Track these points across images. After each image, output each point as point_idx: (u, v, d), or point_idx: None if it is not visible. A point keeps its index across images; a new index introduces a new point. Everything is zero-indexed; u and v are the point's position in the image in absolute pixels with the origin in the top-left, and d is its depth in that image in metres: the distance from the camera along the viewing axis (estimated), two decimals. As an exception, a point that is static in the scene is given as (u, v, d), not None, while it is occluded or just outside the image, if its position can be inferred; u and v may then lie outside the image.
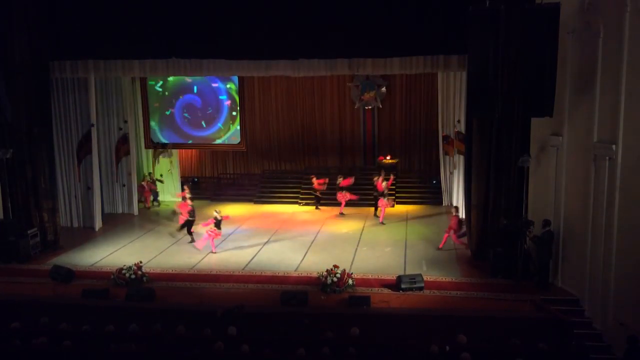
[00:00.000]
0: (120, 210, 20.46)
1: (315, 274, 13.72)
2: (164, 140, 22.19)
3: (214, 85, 21.81)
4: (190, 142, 22.46)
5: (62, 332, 10.26)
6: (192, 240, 16.58)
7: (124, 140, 20.35)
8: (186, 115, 22.01)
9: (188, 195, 17.81)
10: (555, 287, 13.14)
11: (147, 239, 17.45)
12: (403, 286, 13.03)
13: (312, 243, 16.79)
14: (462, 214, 16.89)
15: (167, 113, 22.05)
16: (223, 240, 17.10)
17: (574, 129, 12.57)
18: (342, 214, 19.84)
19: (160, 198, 21.82)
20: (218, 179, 23.77)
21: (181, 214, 17.26)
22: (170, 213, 19.60)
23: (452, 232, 15.88)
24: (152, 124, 22.10)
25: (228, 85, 21.83)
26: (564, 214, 12.96)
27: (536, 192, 13.60)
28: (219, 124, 22.12)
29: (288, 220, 19.59)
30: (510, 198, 13.88)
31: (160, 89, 21.93)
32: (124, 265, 14.01)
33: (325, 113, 23.12)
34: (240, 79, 21.80)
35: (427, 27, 14.40)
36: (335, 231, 17.97)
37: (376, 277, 13.90)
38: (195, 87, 21.88)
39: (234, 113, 22.02)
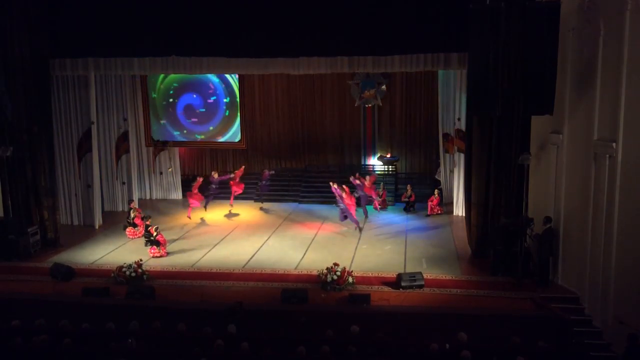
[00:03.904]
0: (120, 208, 20.43)
1: (315, 272, 13.72)
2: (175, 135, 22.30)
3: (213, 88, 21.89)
4: (199, 138, 22.53)
5: (63, 330, 10.27)
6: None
7: (124, 137, 20.37)
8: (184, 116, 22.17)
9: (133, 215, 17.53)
10: (555, 285, 13.16)
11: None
12: (403, 284, 13.03)
13: (312, 241, 16.79)
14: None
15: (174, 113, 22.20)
16: (223, 238, 17.13)
17: (574, 126, 12.57)
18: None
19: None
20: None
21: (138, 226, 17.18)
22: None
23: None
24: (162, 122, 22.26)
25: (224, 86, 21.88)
26: (564, 212, 12.96)
27: (536, 190, 13.61)
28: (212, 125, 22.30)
29: (288, 218, 19.58)
30: (510, 196, 13.90)
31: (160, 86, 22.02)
32: (124, 263, 14.02)
33: (325, 111, 23.10)
34: (241, 77, 21.79)
35: (428, 25, 14.37)
36: (335, 229, 17.97)
37: (376, 275, 13.91)
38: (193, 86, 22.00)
39: (227, 113, 22.13)
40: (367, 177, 18.65)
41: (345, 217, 17.20)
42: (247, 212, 20.55)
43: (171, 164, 22.61)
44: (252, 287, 13.54)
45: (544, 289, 12.91)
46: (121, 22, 15.24)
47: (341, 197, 16.79)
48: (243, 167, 20.84)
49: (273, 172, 20.98)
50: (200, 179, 19.60)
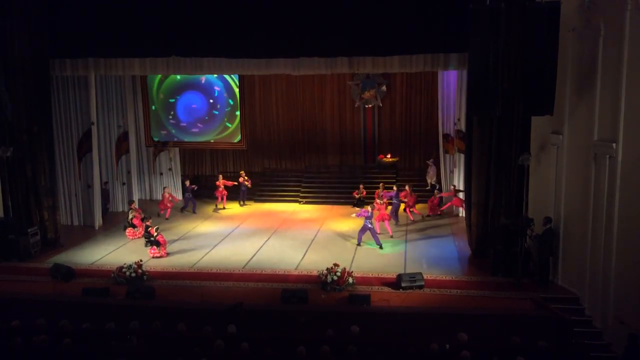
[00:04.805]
0: (120, 209, 20.45)
1: (315, 273, 13.73)
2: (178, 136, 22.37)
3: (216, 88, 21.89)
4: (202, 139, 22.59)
5: (63, 330, 10.26)
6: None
7: (124, 137, 20.39)
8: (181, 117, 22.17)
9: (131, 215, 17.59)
10: (555, 285, 13.15)
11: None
12: (403, 284, 13.03)
13: (312, 241, 16.79)
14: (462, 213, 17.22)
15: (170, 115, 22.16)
16: (223, 239, 17.15)
17: (574, 127, 12.57)
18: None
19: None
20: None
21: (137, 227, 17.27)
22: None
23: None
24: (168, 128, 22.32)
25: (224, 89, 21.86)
26: (564, 213, 12.95)
27: (536, 190, 13.59)
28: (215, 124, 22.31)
29: (288, 218, 19.59)
30: (510, 196, 13.90)
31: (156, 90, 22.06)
32: (125, 264, 14.02)
33: (325, 111, 23.14)
34: (241, 77, 21.79)
35: (427, 25, 14.36)
36: (335, 229, 17.96)
37: (376, 275, 13.91)
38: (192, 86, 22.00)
39: (222, 112, 22.13)
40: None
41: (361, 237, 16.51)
42: (247, 212, 20.57)
43: (171, 164, 22.62)
44: (252, 287, 13.54)
45: (544, 289, 12.91)
46: (121, 22, 15.23)
47: (369, 217, 16.03)
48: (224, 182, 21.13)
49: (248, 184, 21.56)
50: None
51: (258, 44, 15.05)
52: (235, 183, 21.20)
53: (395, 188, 18.42)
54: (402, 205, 18.71)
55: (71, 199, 18.67)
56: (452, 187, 19.25)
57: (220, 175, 21.41)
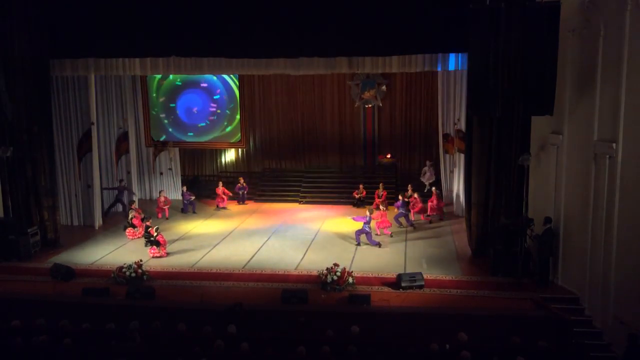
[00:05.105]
0: (120, 209, 20.42)
1: (315, 272, 13.73)
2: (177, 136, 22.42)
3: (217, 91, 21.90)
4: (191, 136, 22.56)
5: (63, 330, 10.27)
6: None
7: (124, 137, 20.38)
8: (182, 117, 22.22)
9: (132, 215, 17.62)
10: (555, 285, 13.16)
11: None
12: (403, 284, 13.03)
13: (312, 241, 16.79)
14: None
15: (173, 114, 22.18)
16: (223, 239, 17.14)
17: (574, 127, 12.57)
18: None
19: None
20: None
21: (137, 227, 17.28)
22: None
23: None
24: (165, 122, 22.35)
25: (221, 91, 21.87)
26: (564, 213, 12.96)
27: (536, 190, 13.61)
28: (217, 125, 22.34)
29: (288, 218, 19.58)
30: (510, 196, 13.91)
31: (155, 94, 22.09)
32: (124, 264, 14.02)
33: (325, 111, 23.13)
34: (241, 78, 21.82)
35: (427, 25, 14.35)
36: (335, 229, 17.96)
37: (376, 275, 13.91)
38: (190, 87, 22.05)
39: (223, 114, 22.18)
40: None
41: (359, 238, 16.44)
42: (247, 212, 20.57)
43: (171, 164, 22.62)
44: (252, 287, 13.54)
45: (544, 289, 12.92)
46: (121, 22, 15.21)
47: (367, 222, 16.17)
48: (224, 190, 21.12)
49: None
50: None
51: (258, 44, 15.04)
52: (232, 194, 21.24)
53: (400, 198, 18.36)
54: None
55: (71, 199, 18.68)
56: (434, 189, 19.40)
57: (221, 182, 21.31)
